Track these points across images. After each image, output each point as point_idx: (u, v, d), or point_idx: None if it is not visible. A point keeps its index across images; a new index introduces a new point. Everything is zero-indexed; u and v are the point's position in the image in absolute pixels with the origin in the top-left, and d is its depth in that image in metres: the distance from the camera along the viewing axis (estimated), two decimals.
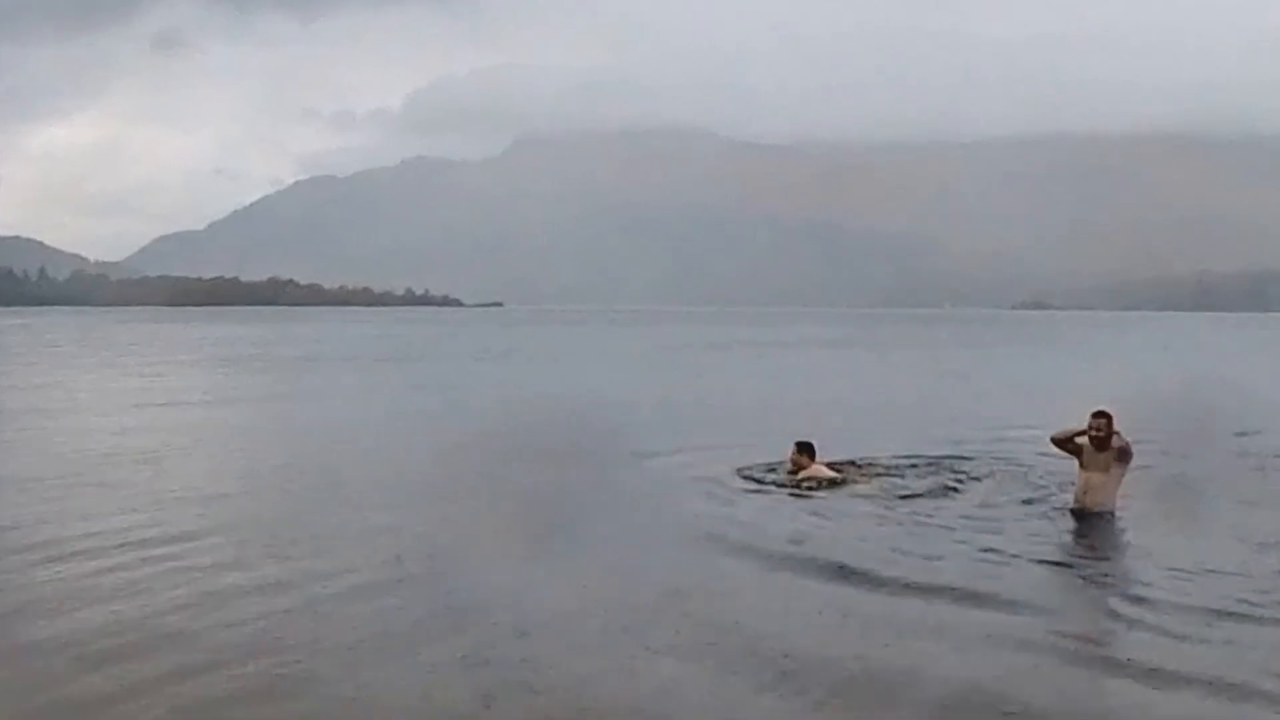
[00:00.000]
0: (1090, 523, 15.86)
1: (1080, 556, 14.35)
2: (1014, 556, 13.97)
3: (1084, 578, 13.27)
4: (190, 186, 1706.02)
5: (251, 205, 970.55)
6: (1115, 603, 12.11)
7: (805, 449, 19.14)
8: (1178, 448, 23.22)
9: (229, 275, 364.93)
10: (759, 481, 19.05)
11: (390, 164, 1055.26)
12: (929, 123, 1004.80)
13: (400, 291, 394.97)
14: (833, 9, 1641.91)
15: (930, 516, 16.45)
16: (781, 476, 19.09)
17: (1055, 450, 16.74)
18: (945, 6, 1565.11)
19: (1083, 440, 16.06)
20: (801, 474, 18.82)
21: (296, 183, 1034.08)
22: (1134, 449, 16.22)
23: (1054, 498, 17.59)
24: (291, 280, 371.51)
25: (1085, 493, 16.14)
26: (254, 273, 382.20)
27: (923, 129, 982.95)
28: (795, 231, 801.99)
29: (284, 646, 10.39)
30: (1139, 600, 12.07)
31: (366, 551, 14.05)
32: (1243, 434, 26.19)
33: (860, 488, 18.71)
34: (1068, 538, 15.26)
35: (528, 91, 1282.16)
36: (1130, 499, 16.48)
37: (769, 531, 15.41)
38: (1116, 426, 15.95)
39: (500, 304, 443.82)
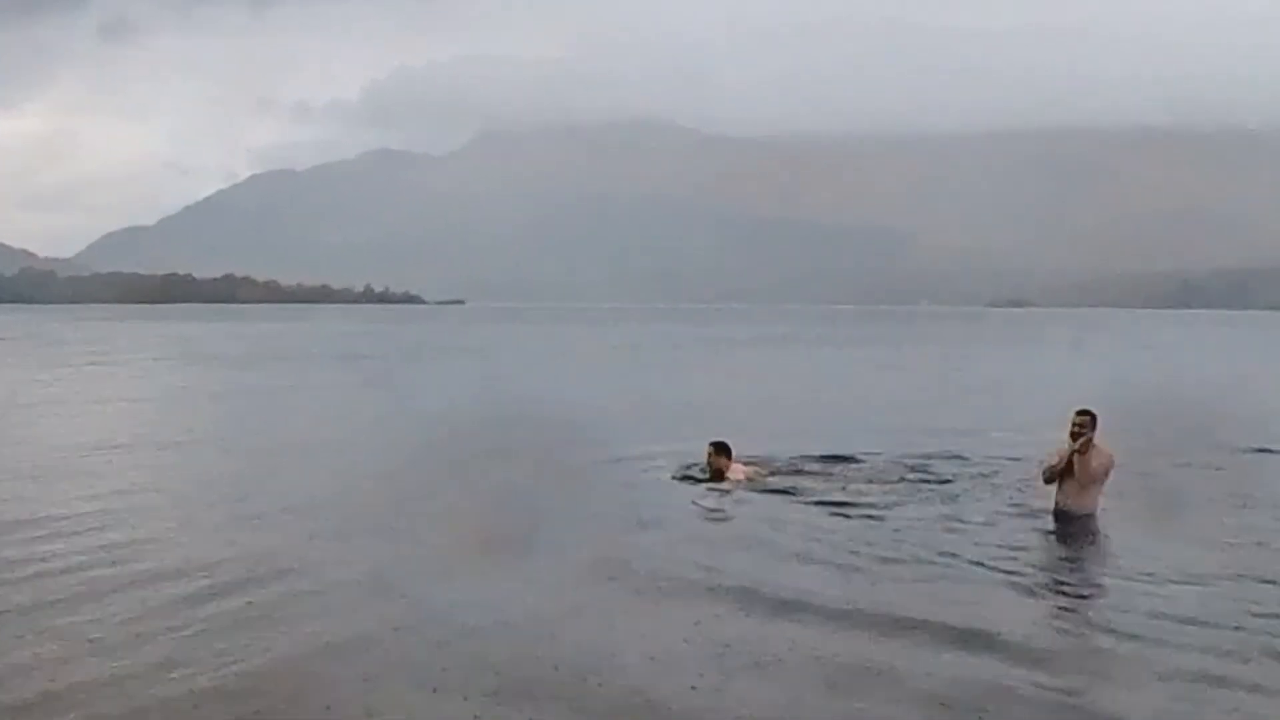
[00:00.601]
0: (1071, 526, 15.77)
1: (1031, 566, 13.95)
2: (958, 568, 13.70)
3: (1027, 587, 12.95)
4: (141, 180, 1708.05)
5: (205, 200, 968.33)
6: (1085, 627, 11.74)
7: (722, 450, 18.92)
8: (1159, 451, 23.15)
9: (182, 272, 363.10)
10: (682, 481, 19.00)
11: (349, 157, 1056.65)
12: (903, 116, 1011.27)
13: (360, 289, 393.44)
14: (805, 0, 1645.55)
15: (871, 522, 16.30)
16: (699, 477, 18.95)
17: (1028, 464, 16.75)
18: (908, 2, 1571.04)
19: (1065, 452, 15.88)
20: (726, 476, 18.67)
21: (252, 176, 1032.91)
22: (1115, 459, 16.09)
23: (1005, 500, 17.76)
24: (247, 277, 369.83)
25: (1068, 495, 16.04)
26: (208, 269, 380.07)
27: (897, 122, 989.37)
28: (766, 227, 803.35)
29: (224, 656, 10.37)
30: (1113, 623, 11.61)
31: (272, 561, 13.83)
32: (1225, 436, 26.19)
33: (773, 481, 18.82)
34: (1032, 545, 15.04)
35: (490, 83, 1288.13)
36: (1113, 502, 16.36)
37: (674, 545, 14.91)
38: (1099, 433, 15.79)
39: (462, 301, 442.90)
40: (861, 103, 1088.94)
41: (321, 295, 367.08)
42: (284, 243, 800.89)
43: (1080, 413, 15.88)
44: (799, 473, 20.01)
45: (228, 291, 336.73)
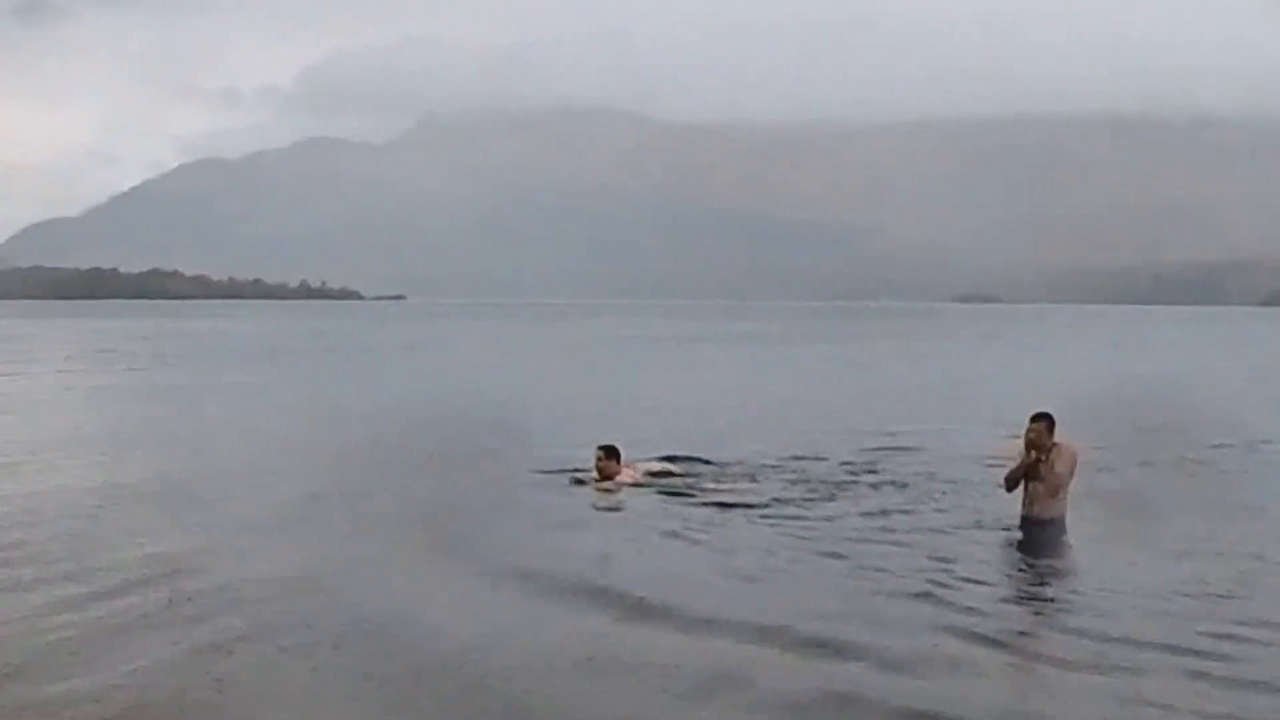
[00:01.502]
0: (1039, 533, 15.80)
1: (941, 573, 13.71)
2: (849, 574, 13.76)
3: (933, 597, 12.74)
4: (63, 170, 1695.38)
5: (132, 190, 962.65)
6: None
7: (611, 453, 18.94)
8: (1123, 452, 23.30)
9: (108, 266, 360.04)
10: (572, 485, 19.06)
11: (283, 145, 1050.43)
12: (863, 103, 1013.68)
13: (294, 284, 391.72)
14: None
15: (763, 525, 16.34)
16: (585, 480, 19.02)
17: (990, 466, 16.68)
18: None
19: (1025, 459, 15.83)
20: (615, 479, 18.72)
21: (181, 166, 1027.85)
22: (1080, 455, 16.04)
23: (936, 507, 17.76)
24: (176, 271, 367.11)
25: (1032, 501, 15.93)
26: (135, 264, 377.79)
27: (857, 110, 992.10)
28: (722, 220, 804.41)
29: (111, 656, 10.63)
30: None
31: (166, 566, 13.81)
32: (1196, 437, 26.42)
33: (667, 483, 18.95)
34: (954, 552, 14.82)
35: (432, 68, 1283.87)
36: (1078, 505, 16.34)
37: (563, 552, 14.91)
38: (1059, 432, 15.73)
39: (402, 297, 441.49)
40: (820, 90, 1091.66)
41: (254, 290, 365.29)
42: (215, 235, 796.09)
43: (1035, 419, 15.72)
44: (694, 474, 20.01)
45: (155, 286, 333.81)
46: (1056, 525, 15.80)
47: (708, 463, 21.62)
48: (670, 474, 19.79)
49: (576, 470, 19.60)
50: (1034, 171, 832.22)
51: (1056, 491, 15.77)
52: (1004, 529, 16.03)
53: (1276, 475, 22.50)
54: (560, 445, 22.74)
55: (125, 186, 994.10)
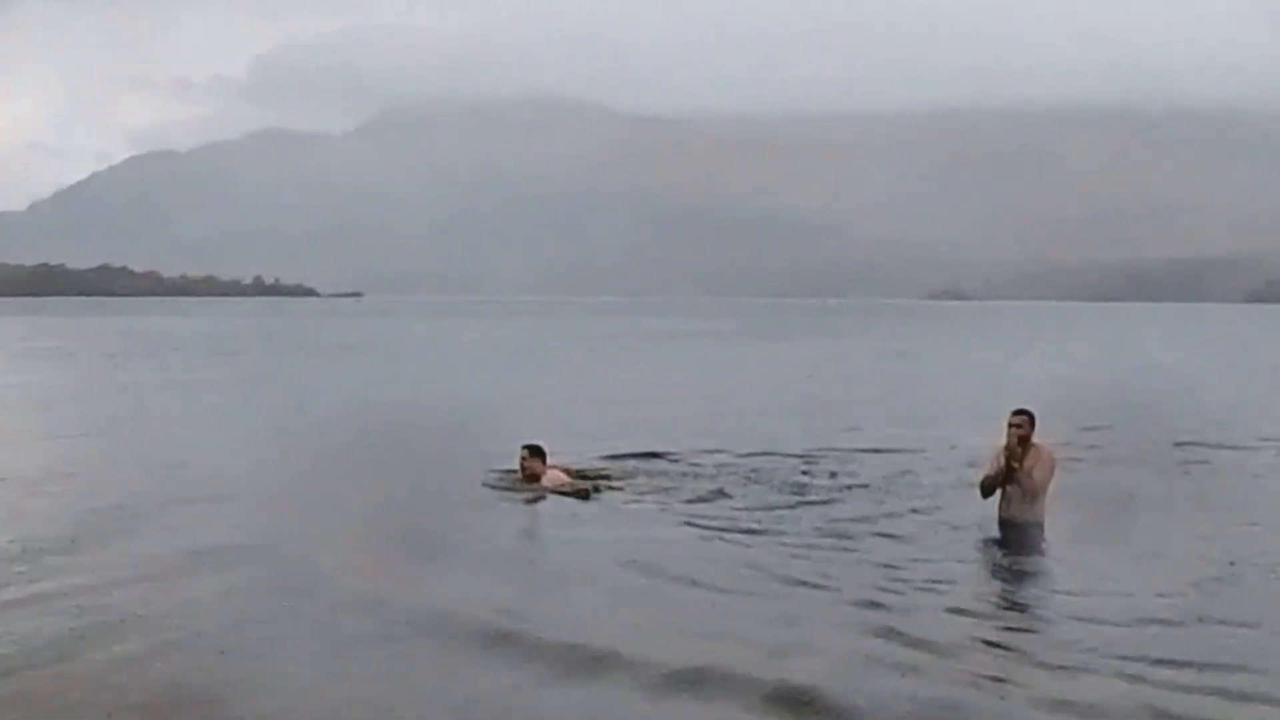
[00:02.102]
0: (1011, 537, 15.83)
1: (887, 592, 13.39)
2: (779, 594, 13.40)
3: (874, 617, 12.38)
4: (7, 163, 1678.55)
5: (79, 183, 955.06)
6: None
7: (536, 453, 18.72)
8: (1099, 450, 23.54)
9: (54, 262, 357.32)
10: (497, 489, 18.83)
11: (236, 137, 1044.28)
12: (831, 93, 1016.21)
13: (249, 280, 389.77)
14: None
15: (695, 532, 16.19)
16: (515, 484, 18.75)
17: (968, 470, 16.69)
18: None
19: (1001, 459, 15.85)
20: (540, 480, 18.51)
21: (131, 158, 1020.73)
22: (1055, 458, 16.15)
23: (891, 511, 17.87)
24: (125, 268, 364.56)
25: (1009, 504, 15.95)
26: (83, 259, 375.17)
27: (825, 100, 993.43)
28: (688, 214, 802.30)
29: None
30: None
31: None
32: (1173, 435, 26.79)
33: (599, 485, 18.85)
34: (905, 564, 14.64)
35: (389, 58, 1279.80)
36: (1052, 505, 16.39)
37: (476, 588, 14.17)
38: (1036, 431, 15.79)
39: (360, 294, 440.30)
40: (790, 82, 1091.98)
41: (207, 287, 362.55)
42: (166, 230, 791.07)
43: (1018, 413, 15.68)
44: (629, 474, 20.00)
45: (104, 283, 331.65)
46: (1034, 528, 15.74)
47: (655, 456, 21.75)
48: (603, 475, 19.69)
49: (505, 471, 19.31)
50: (1007, 165, 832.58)
51: (1035, 496, 15.72)
52: (978, 532, 16.11)
53: (1253, 473, 22.76)
54: (500, 445, 22.10)
55: (72, 179, 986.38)
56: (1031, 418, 15.62)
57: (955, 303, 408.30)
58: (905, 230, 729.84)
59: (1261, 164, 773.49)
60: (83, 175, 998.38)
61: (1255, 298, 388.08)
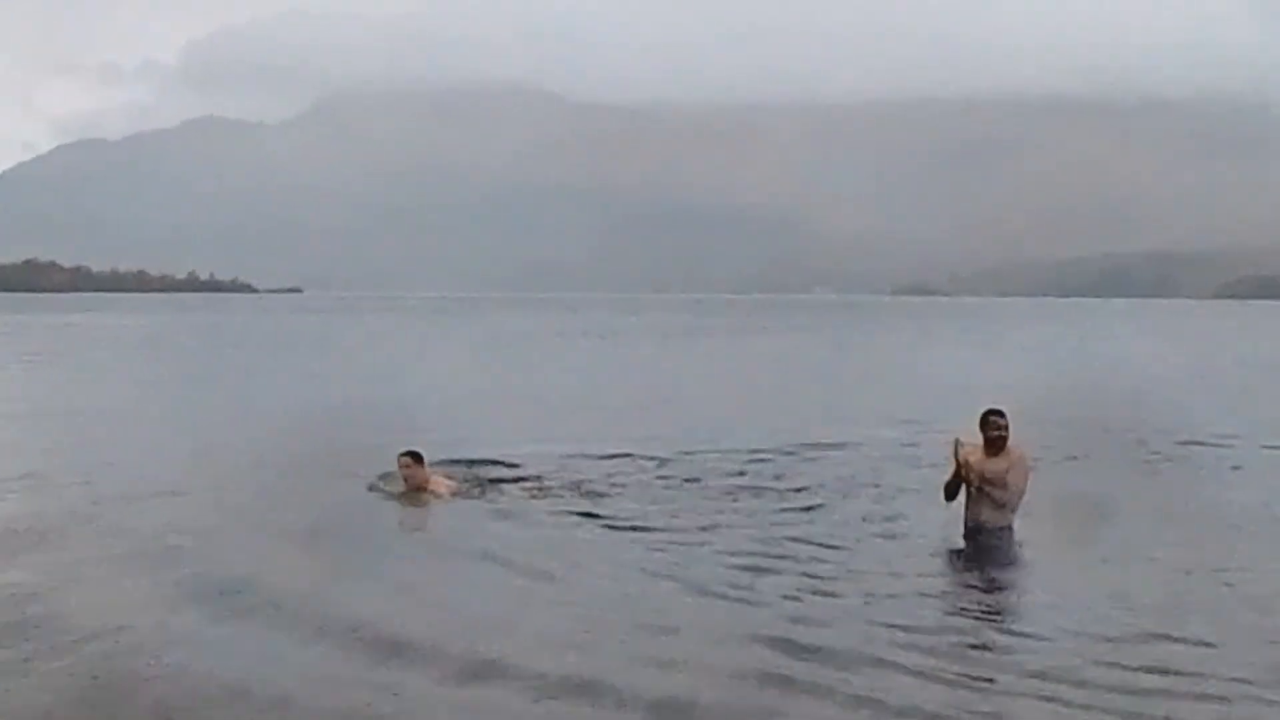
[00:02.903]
0: (979, 542, 15.58)
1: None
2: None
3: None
4: None
5: (3, 174, 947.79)
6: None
7: (417, 459, 18.28)
8: (1068, 451, 23.70)
9: None
10: (383, 495, 18.46)
11: (169, 125, 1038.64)
12: (794, 81, 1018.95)
13: (183, 275, 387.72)
14: None
15: (595, 544, 15.84)
16: (399, 490, 18.32)
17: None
18: None
19: (967, 458, 15.39)
20: (426, 488, 18.17)
21: (58, 147, 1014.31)
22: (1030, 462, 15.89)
23: (840, 517, 17.59)
24: (53, 263, 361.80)
25: (978, 507, 15.56)
26: (7, 254, 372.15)
27: (787, 89, 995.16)
28: (644, 206, 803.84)
29: None
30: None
31: None
32: (1143, 434, 26.99)
33: (484, 492, 18.64)
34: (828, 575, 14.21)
35: (329, 43, 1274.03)
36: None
37: (314, 577, 14.15)
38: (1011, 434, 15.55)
39: (299, 290, 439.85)
40: (746, 69, 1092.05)
41: (139, 283, 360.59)
42: (95, 223, 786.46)
43: (994, 412, 15.32)
44: (522, 480, 19.63)
45: (30, 279, 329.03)
46: (1002, 533, 15.52)
47: (593, 457, 21.84)
48: (490, 479, 19.59)
49: (382, 476, 18.96)
50: (975, 158, 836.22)
51: (1007, 501, 15.45)
52: (939, 538, 16.00)
53: (1223, 472, 23.01)
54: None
55: None
56: (1005, 418, 15.24)
57: (922, 299, 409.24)
58: (871, 225, 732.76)
59: (1234, 157, 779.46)
60: (5, 165, 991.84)
61: (1226, 293, 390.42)
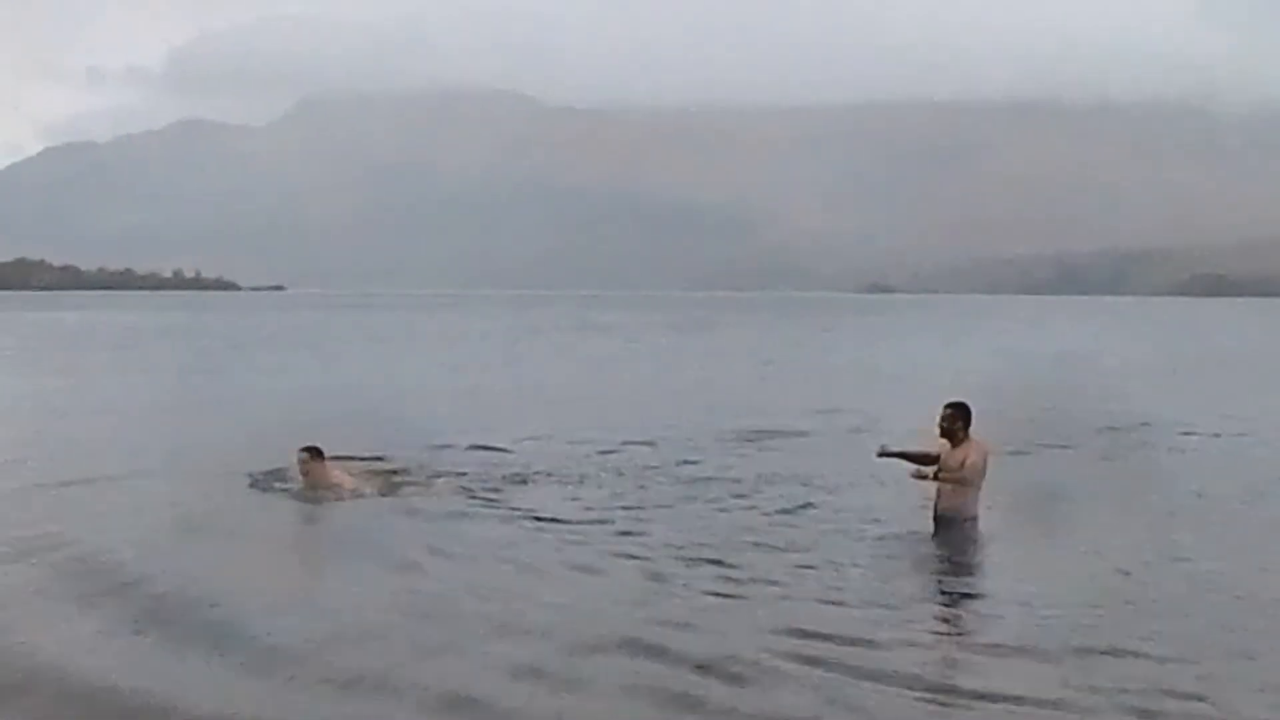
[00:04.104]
0: (939, 532, 15.49)
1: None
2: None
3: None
4: None
5: None
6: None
7: (316, 454, 17.60)
8: (1028, 442, 23.61)
9: None
10: (268, 490, 17.85)
11: (156, 128, 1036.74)
12: (758, 85, 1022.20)
13: (168, 273, 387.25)
14: None
15: (561, 538, 15.30)
16: (294, 486, 17.69)
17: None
18: None
19: (933, 446, 15.50)
20: (328, 484, 17.52)
21: (47, 149, 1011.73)
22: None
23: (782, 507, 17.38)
24: (43, 261, 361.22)
25: (941, 497, 15.57)
26: None
27: (751, 92, 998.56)
28: (614, 206, 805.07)
29: None
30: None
31: None
32: (1099, 425, 27.04)
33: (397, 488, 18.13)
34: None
35: (309, 47, 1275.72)
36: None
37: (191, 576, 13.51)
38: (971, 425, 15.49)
39: (281, 287, 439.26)
40: (711, 72, 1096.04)
41: (125, 281, 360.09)
42: (84, 223, 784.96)
43: (948, 405, 15.39)
44: (437, 475, 19.13)
45: (20, 277, 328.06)
46: (962, 523, 15.45)
47: (485, 449, 21.68)
48: (393, 471, 19.19)
49: (276, 472, 18.39)
50: (935, 159, 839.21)
51: (965, 489, 15.39)
52: (899, 527, 15.93)
53: (1173, 457, 23.00)
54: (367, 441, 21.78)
55: None
56: (962, 410, 15.36)
57: (884, 296, 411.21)
58: (833, 224, 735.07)
59: (1186, 159, 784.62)
60: None
61: (1181, 290, 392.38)
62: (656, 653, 10.77)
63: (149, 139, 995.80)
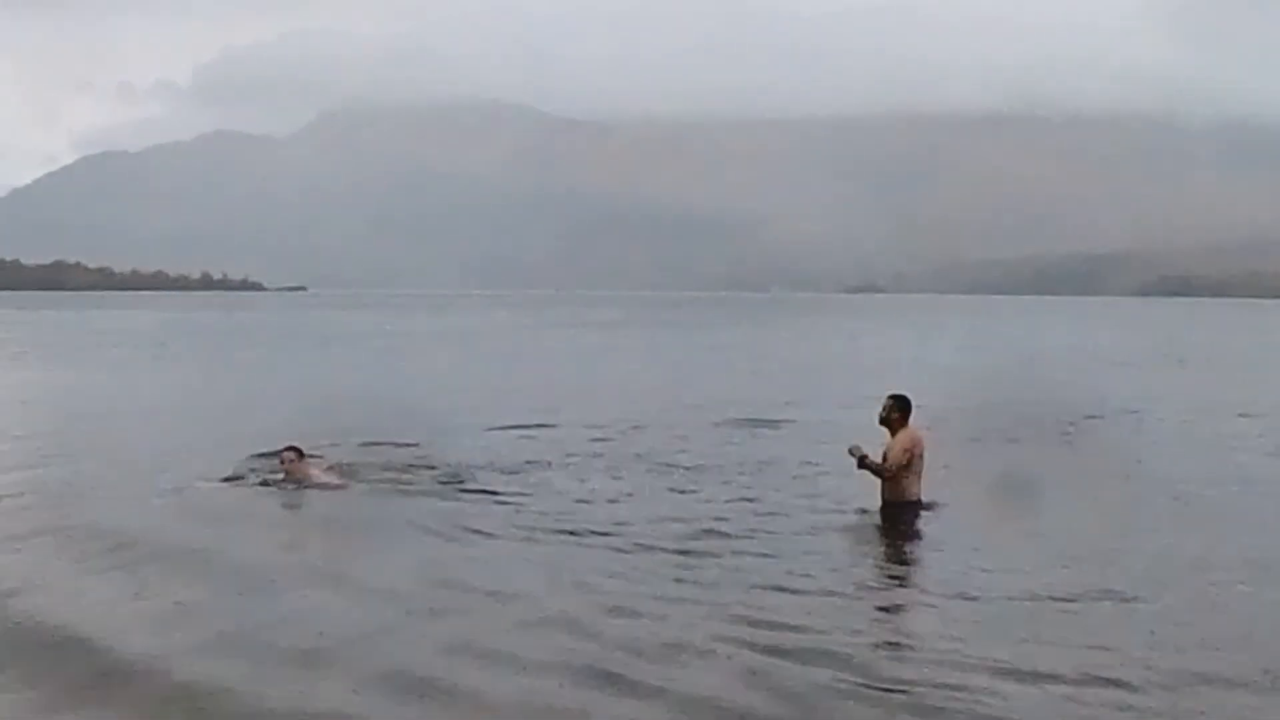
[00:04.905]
0: (885, 517, 15.54)
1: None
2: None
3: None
4: None
5: (34, 183, 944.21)
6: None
7: (298, 453, 17.41)
8: (992, 429, 23.65)
9: (9, 258, 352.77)
10: (256, 485, 17.45)
11: (185, 138, 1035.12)
12: (750, 99, 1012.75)
13: (197, 275, 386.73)
14: None
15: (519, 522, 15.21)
16: (276, 479, 17.34)
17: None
18: None
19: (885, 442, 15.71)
20: (311, 477, 17.29)
21: (83, 159, 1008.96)
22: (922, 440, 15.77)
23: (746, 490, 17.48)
24: (79, 264, 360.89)
25: (883, 484, 15.63)
26: (38, 255, 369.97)
27: (744, 106, 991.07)
28: (616, 211, 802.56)
29: None
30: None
31: None
32: (1066, 412, 27.06)
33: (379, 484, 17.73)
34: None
35: (329, 62, 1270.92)
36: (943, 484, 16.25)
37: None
38: (912, 417, 15.66)
39: (304, 288, 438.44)
40: (708, 86, 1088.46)
41: (157, 282, 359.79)
42: (117, 227, 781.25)
43: (888, 397, 15.65)
44: (410, 468, 18.69)
45: (58, 278, 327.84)
46: (906, 508, 15.48)
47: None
48: (387, 467, 18.85)
49: (255, 463, 18.27)
50: (918, 167, 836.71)
51: (901, 476, 15.43)
52: (851, 512, 15.94)
53: (1135, 441, 23.10)
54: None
55: (23, 180, 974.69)
56: (899, 401, 15.55)
57: (871, 296, 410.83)
58: (822, 229, 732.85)
59: (1153, 169, 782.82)
60: (30, 175, 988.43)
61: (1148, 291, 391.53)
62: (591, 634, 10.61)
63: (178, 149, 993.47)
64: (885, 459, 15.47)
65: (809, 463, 19.60)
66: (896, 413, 15.54)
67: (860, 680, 9.50)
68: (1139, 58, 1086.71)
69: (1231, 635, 10.62)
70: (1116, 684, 9.36)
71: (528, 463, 19.46)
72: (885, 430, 15.62)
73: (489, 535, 14.56)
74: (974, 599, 11.82)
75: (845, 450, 15.53)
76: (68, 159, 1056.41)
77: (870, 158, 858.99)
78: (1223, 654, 10.08)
